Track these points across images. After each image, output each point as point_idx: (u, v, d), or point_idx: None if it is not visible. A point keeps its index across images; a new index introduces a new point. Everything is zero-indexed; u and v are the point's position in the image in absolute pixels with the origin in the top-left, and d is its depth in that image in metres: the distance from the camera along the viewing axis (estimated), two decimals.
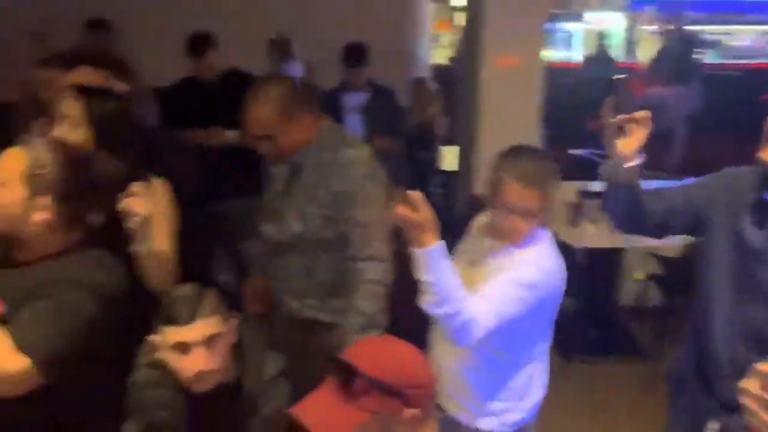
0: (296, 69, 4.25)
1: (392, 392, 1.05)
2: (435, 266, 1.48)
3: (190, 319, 1.45)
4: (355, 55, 3.96)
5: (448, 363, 1.74)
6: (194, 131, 3.06)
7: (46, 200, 1.39)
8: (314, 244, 1.99)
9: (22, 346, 1.30)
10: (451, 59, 7.83)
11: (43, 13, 4.81)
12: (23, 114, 2.43)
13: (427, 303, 1.54)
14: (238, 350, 1.56)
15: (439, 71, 7.23)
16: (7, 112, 3.02)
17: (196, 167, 2.24)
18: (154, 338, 1.51)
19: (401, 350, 1.13)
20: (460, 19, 8.54)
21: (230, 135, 3.20)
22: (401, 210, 1.44)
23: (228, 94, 3.28)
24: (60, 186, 1.40)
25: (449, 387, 1.75)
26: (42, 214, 1.39)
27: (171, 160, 1.99)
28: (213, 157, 2.97)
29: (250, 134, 1.98)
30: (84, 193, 1.44)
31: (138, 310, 1.50)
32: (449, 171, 4.80)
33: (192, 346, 1.46)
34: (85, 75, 1.99)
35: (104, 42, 3.60)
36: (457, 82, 4.44)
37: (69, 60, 2.11)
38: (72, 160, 1.43)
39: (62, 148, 1.45)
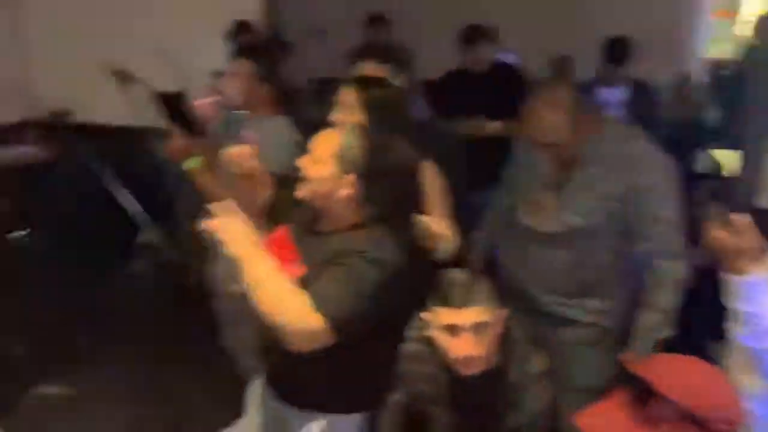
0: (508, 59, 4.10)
1: (697, 422, 0.96)
2: (757, 297, 1.32)
3: (463, 303, 1.50)
4: (618, 51, 3.68)
5: (756, 393, 1.54)
6: (460, 122, 3.14)
7: (351, 178, 1.53)
8: (587, 238, 1.92)
9: (319, 307, 1.42)
10: (738, 53, 6.91)
11: (325, 11, 5.35)
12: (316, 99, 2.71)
13: (740, 334, 1.37)
14: (504, 341, 1.57)
15: (717, 66, 6.44)
16: (294, 97, 3.44)
17: (461, 157, 2.30)
18: (426, 316, 1.59)
19: (709, 377, 1.02)
20: (748, 8, 7.49)
21: (492, 126, 3.24)
22: (719, 233, 1.31)
23: (495, 86, 3.36)
24: (363, 166, 1.53)
25: (756, 420, 1.55)
26: (347, 190, 1.54)
27: (439, 150, 2.07)
28: (476, 148, 3.02)
29: (536, 141, 1.93)
30: (382, 174, 1.55)
31: (413, 287, 1.59)
32: (722, 177, 4.27)
33: (461, 330, 1.51)
34: (368, 68, 2.17)
35: (383, 36, 3.88)
36: (743, 80, 3.90)
37: (356, 54, 2.32)
38: (375, 144, 1.56)
39: (369, 132, 1.58)
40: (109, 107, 3.13)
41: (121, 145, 3.25)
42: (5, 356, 3.22)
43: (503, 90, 3.30)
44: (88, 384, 3.17)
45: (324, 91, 3.80)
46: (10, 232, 3.42)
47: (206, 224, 1.52)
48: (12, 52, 4.41)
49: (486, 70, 3.38)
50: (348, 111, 1.91)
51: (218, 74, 3.37)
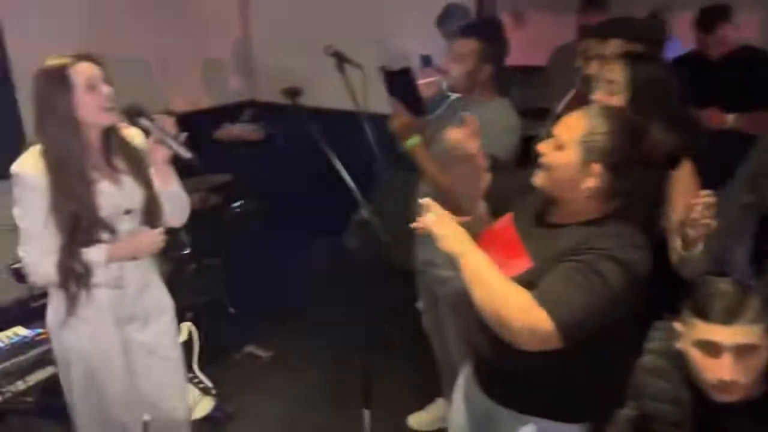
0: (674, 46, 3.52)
1: None
2: None
3: (727, 319, 1.29)
4: None
5: None
6: (698, 110, 2.80)
7: (598, 168, 1.37)
8: None
9: (548, 306, 1.30)
10: None
11: None
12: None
13: None
14: None
15: None
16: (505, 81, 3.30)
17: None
18: (679, 326, 1.40)
19: None
20: None
21: (729, 119, 2.86)
22: None
23: (735, 72, 2.95)
24: (612, 155, 1.36)
25: None
26: (592, 180, 1.38)
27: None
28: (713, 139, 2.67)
29: None
30: (633, 165, 1.38)
31: (657, 293, 1.40)
32: None
33: (722, 350, 1.30)
34: (617, 45, 1.97)
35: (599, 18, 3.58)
36: None
37: (602, 31, 2.12)
38: (628, 130, 1.38)
39: (620, 116, 1.40)
40: (323, 89, 3.26)
41: (336, 127, 3.39)
42: (221, 316, 3.53)
43: (745, 78, 2.89)
44: (289, 345, 3.38)
45: (524, 78, 3.66)
46: (232, 202, 3.74)
47: (419, 221, 1.50)
48: (240, 36, 4.84)
49: (725, 55, 2.97)
50: (612, 90, 1.73)
51: (426, 58, 3.36)
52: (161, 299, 2.06)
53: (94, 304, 1.85)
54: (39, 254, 1.76)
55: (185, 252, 3.28)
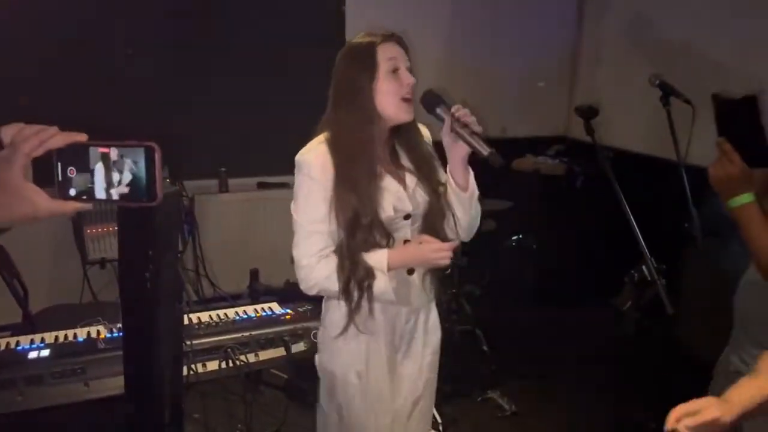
0: None
1: None
2: None
3: None
4: None
5: None
6: None
7: None
8: None
9: None
10: None
11: None
12: None
13: None
14: None
15: None
16: None
17: None
18: None
19: None
20: None
21: None
22: None
23: None
24: None
25: None
26: None
27: None
28: None
29: None
30: None
31: None
32: None
33: None
34: None
35: None
36: None
37: None
38: None
39: None
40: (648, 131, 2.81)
41: (649, 173, 2.91)
42: (473, 350, 3.29)
43: None
44: (536, 406, 3.02)
45: None
46: (508, 231, 3.48)
47: None
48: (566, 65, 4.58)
49: None
50: None
51: None
52: (430, 324, 1.76)
53: (372, 319, 1.63)
54: (314, 257, 1.55)
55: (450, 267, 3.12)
